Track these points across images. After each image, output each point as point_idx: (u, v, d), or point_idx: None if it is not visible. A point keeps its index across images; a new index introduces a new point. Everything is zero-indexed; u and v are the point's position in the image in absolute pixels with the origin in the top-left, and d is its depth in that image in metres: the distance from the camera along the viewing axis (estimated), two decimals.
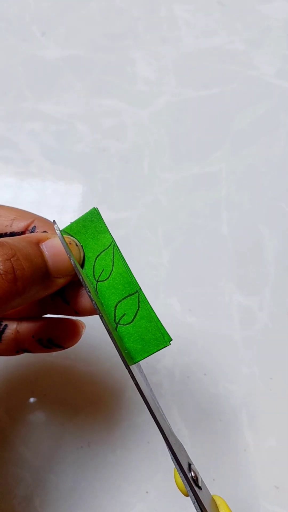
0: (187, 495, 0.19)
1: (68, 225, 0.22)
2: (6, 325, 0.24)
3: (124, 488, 0.29)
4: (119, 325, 0.20)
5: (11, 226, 0.23)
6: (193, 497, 0.19)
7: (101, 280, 0.21)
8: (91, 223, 0.22)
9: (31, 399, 0.32)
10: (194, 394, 0.32)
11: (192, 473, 0.19)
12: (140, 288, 0.21)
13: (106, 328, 0.20)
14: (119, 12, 0.47)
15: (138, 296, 0.20)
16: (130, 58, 0.44)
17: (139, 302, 0.20)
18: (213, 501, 0.20)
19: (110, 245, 0.21)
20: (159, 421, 0.19)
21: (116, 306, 0.21)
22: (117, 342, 0.19)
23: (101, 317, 0.20)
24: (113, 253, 0.21)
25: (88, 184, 0.39)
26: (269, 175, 0.40)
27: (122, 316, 0.21)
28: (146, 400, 0.19)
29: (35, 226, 0.23)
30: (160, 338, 0.20)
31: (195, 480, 0.19)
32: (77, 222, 0.22)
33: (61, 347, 0.24)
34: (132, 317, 0.20)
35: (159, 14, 0.47)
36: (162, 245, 0.37)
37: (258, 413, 0.32)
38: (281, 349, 0.34)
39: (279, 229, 0.38)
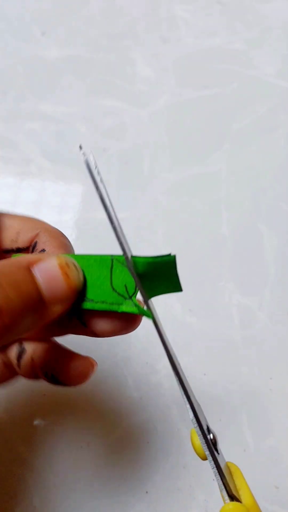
0: (204, 459, 0.19)
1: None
2: (24, 350, 0.22)
3: (124, 488, 0.29)
4: (133, 296, 0.19)
5: (16, 241, 0.21)
6: (212, 461, 0.18)
7: (84, 292, 0.19)
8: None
9: (31, 399, 0.32)
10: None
11: (211, 435, 0.19)
12: (112, 256, 0.19)
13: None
14: (119, 12, 0.47)
15: (117, 261, 0.19)
16: (130, 58, 0.44)
17: (125, 265, 0.19)
18: (227, 468, 0.20)
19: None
20: (182, 378, 0.18)
21: (112, 286, 0.19)
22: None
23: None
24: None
25: (88, 184, 0.39)
26: (269, 175, 0.40)
27: (126, 289, 0.19)
28: (167, 348, 0.18)
29: (36, 242, 0.21)
30: (167, 263, 0.19)
31: (214, 443, 0.19)
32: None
33: (65, 384, 0.21)
34: (133, 282, 0.18)
35: (159, 14, 0.47)
36: (162, 245, 0.37)
37: (258, 413, 0.32)
38: (281, 349, 0.34)
39: (279, 229, 0.38)
